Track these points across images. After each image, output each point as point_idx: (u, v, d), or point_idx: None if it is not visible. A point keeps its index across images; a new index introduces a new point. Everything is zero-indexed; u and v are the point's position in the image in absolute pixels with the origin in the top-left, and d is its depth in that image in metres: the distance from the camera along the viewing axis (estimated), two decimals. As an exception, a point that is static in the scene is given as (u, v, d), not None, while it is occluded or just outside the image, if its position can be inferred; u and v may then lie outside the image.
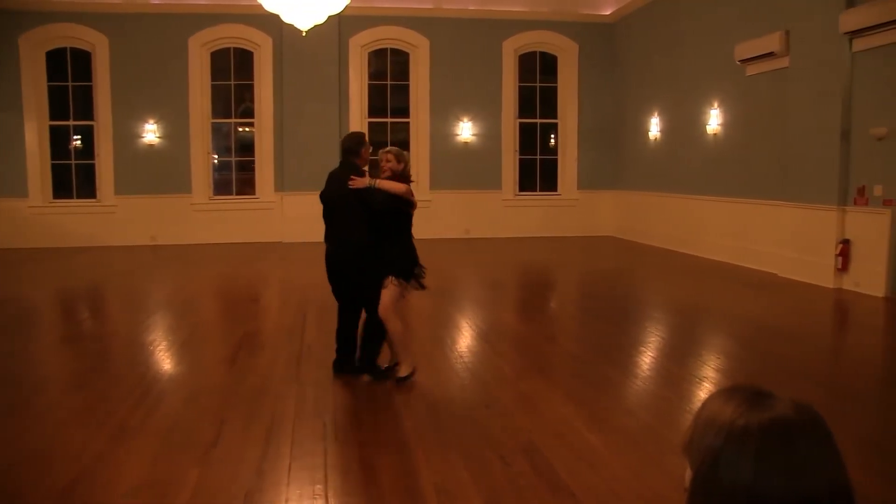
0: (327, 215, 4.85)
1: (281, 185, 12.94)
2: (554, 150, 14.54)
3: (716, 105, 10.84)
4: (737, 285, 8.61)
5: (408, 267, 4.68)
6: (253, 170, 13.09)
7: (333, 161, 5.32)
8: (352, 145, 4.86)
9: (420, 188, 12.89)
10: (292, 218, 12.83)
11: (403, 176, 4.73)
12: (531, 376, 4.81)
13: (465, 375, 4.82)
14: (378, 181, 4.66)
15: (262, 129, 12.95)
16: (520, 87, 14.05)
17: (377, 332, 4.80)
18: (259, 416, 4.02)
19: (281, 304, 7.32)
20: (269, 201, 12.94)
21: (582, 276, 9.45)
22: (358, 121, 13.29)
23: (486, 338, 5.88)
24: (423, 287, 4.75)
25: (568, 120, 14.17)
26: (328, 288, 4.86)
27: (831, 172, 8.49)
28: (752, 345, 5.72)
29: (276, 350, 5.48)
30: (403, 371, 4.78)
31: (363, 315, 4.87)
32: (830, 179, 8.54)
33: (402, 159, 4.77)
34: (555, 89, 14.27)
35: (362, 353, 4.88)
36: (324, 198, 4.85)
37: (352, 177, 4.74)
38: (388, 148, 4.84)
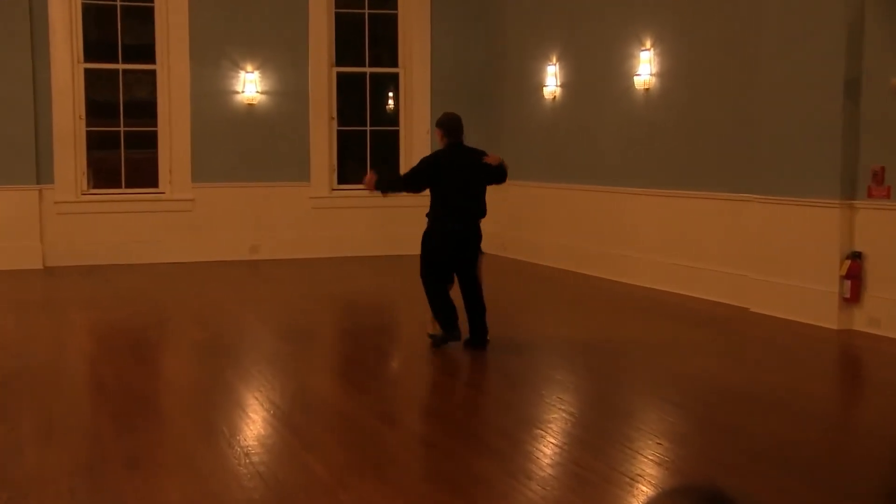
0: (451, 193, 7.29)
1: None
2: (394, 118, 14.80)
3: (648, 45, 11.05)
4: (684, 326, 8.92)
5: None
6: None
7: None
8: (461, 126, 7.53)
9: (177, 179, 13.59)
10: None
11: None
12: (360, 480, 4.93)
13: (254, 485, 4.83)
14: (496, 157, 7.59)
15: None
16: (338, 16, 14.16)
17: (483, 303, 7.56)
18: None
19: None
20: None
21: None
22: (67, 70, 13.09)
23: (287, 421, 6.00)
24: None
25: (415, 70, 14.40)
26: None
27: (830, 149, 8.55)
28: (709, 421, 6.03)
29: None
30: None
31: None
32: (830, 159, 8.63)
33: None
34: (394, 21, 14.51)
35: (482, 326, 7.53)
36: (454, 175, 7.29)
37: (488, 153, 7.55)
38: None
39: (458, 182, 7.27)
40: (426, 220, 7.47)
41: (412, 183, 7.48)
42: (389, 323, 10.03)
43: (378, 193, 7.65)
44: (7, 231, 12.56)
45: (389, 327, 9.79)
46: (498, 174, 7.50)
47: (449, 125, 7.44)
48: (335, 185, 14.42)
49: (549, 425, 5.94)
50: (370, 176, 7.46)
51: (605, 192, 11.90)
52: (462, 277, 7.39)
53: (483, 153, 7.48)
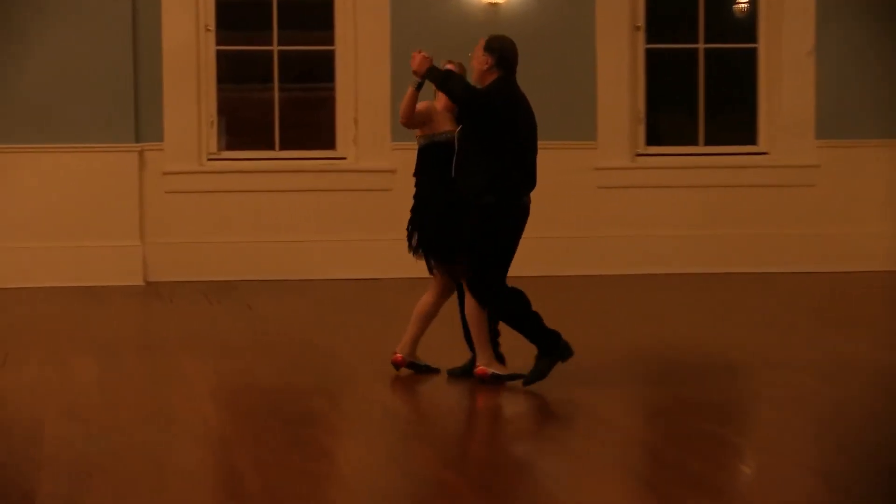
0: (529, 149, 7.24)
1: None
2: (747, 28, 13.97)
3: None
4: None
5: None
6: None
7: None
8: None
9: (365, 136, 12.92)
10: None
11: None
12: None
13: None
14: None
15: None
16: None
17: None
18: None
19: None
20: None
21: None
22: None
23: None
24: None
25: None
26: None
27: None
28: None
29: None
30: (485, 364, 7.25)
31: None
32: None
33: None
34: None
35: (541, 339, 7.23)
36: (529, 124, 7.24)
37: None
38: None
39: (533, 135, 7.25)
40: (466, 188, 7.13)
41: (479, 104, 7.11)
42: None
43: (413, 85, 7.20)
44: (87, 221, 11.79)
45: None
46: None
47: (511, 52, 7.23)
48: (641, 148, 13.13)
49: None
50: (421, 56, 7.08)
51: None
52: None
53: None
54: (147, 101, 12.31)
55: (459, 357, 7.38)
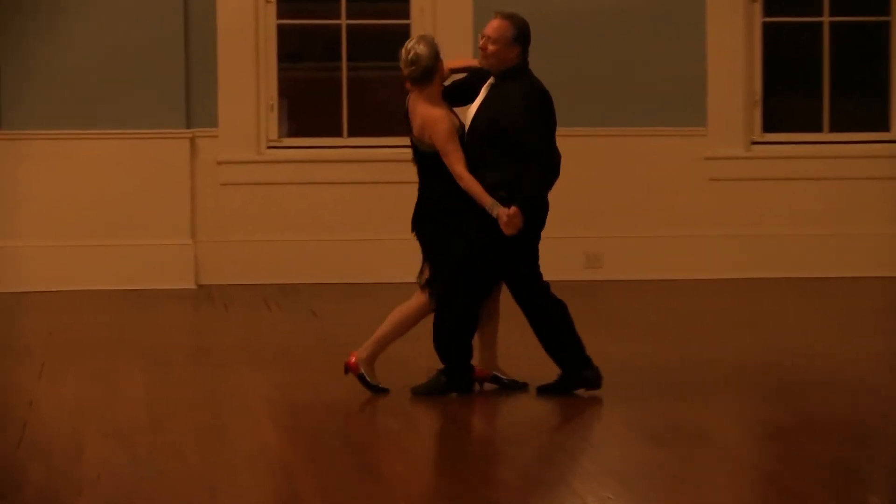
0: (555, 144, 7.15)
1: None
2: None
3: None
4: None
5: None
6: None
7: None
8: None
9: None
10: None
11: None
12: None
13: None
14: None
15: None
16: None
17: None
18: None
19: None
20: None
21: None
22: None
23: None
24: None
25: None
26: None
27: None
28: None
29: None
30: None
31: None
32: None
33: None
34: None
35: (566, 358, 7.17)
36: (553, 117, 7.24)
37: None
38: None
39: (554, 128, 7.32)
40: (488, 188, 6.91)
41: (552, 159, 7.12)
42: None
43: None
44: (132, 217, 11.52)
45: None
46: None
47: (530, 36, 7.23)
48: (757, 135, 12.73)
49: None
50: (514, 215, 6.84)
51: None
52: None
53: None
54: (199, 80, 11.89)
55: (550, 372, 7.07)
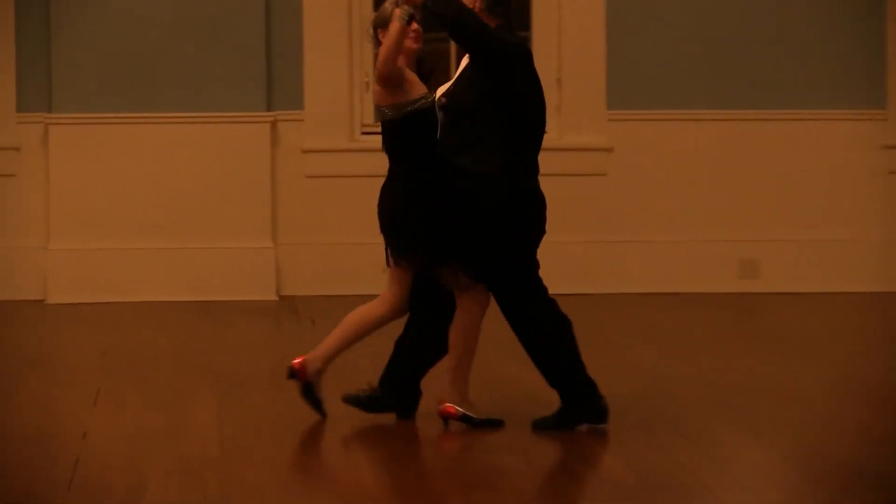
0: (542, 122, 6.62)
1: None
2: None
3: None
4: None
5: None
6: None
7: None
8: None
9: None
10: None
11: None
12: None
13: None
14: None
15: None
16: None
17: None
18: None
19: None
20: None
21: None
22: None
23: None
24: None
25: None
26: None
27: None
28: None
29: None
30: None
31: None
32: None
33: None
34: None
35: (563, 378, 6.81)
36: (540, 87, 6.66)
37: None
38: None
39: (543, 102, 6.73)
40: (471, 172, 6.62)
41: (486, 41, 6.33)
42: None
43: (402, 19, 6.15)
44: (202, 215, 11.22)
45: None
46: None
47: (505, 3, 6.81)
48: None
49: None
50: None
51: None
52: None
53: None
54: (282, 55, 11.48)
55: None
